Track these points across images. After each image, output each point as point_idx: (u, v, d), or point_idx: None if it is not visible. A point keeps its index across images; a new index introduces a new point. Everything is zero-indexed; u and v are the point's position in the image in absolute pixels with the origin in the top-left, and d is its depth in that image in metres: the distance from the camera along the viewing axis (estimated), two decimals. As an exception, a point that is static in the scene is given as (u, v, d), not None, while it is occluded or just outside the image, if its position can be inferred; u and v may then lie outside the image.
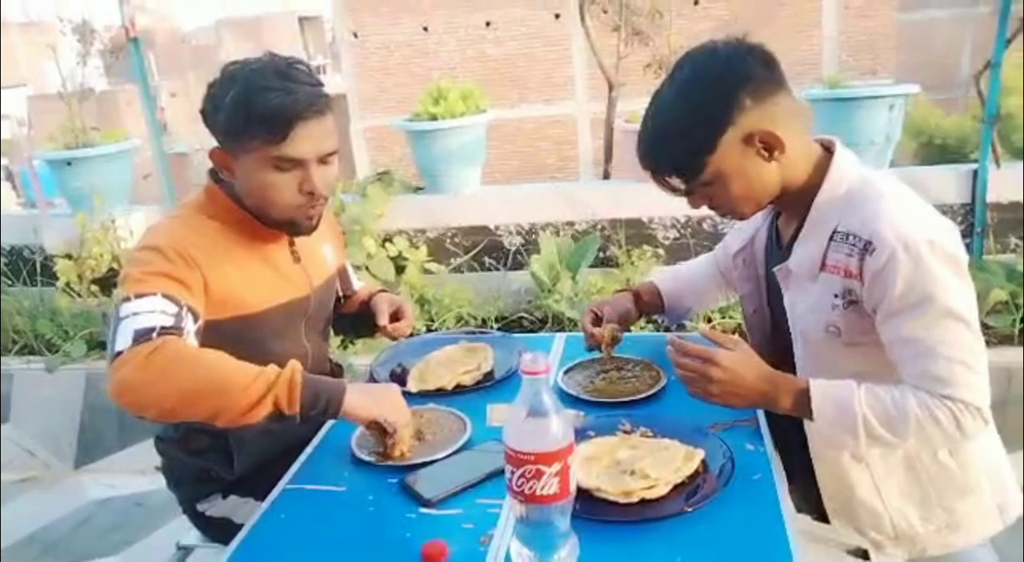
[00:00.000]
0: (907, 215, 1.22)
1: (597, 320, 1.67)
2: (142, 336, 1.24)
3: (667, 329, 3.26)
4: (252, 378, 1.24)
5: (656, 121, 1.32)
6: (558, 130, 12.50)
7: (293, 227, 1.48)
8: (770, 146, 1.27)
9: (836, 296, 1.29)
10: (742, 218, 1.41)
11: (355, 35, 12.87)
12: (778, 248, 1.45)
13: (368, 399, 1.33)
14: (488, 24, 12.39)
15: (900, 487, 1.37)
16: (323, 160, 1.41)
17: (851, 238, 1.25)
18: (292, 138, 1.35)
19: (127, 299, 1.29)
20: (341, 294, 1.82)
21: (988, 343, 3.03)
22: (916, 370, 1.22)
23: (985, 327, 3.07)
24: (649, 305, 1.75)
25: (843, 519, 1.43)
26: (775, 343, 1.50)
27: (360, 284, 1.89)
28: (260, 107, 1.33)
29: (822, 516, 1.47)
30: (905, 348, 1.23)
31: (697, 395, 1.30)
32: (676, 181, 1.33)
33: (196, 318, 1.34)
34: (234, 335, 1.43)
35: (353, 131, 12.95)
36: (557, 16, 11.84)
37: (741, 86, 1.24)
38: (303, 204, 1.43)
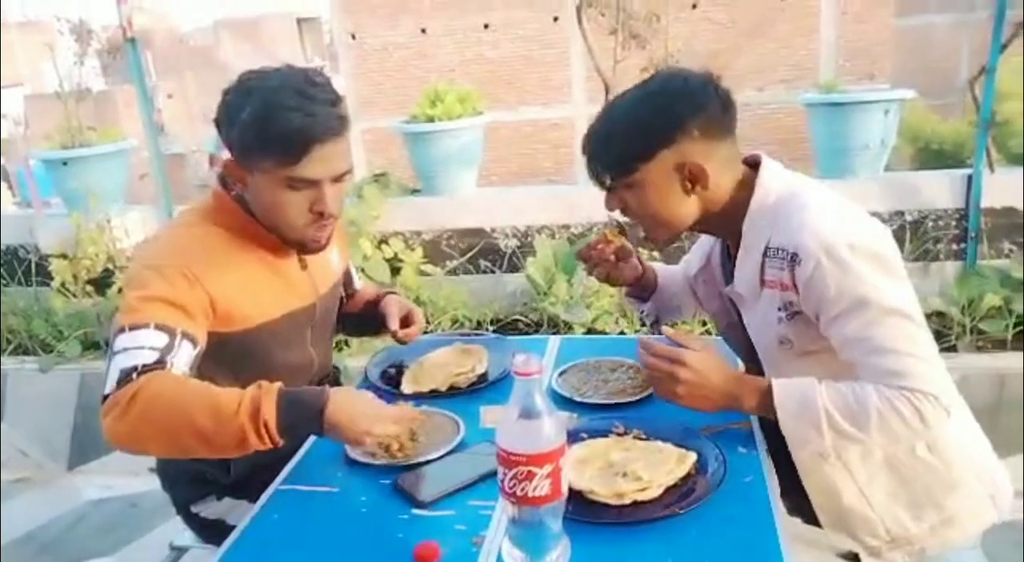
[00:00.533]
0: (828, 222, 1.26)
1: (604, 242, 1.66)
2: (125, 377, 1.23)
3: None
4: (226, 421, 1.19)
5: (609, 118, 1.38)
6: (556, 133, 12.49)
7: (302, 247, 1.47)
8: (695, 179, 1.32)
9: (779, 309, 1.34)
10: (652, 238, 1.45)
11: (353, 37, 12.87)
12: (731, 265, 1.47)
13: (343, 430, 1.24)
14: (486, 26, 12.39)
15: (885, 490, 1.38)
16: (336, 179, 1.39)
17: (780, 252, 1.30)
18: (308, 160, 1.32)
19: (121, 330, 1.27)
20: (343, 293, 1.81)
21: (981, 348, 3.07)
22: (869, 367, 1.25)
23: (979, 332, 3.09)
24: (645, 274, 1.74)
25: (838, 529, 1.44)
26: (752, 354, 1.51)
27: (361, 283, 1.89)
28: (277, 128, 1.30)
29: (814, 520, 1.47)
30: (854, 348, 1.26)
31: (664, 396, 1.33)
32: (604, 175, 1.39)
33: (194, 343, 1.32)
34: (240, 348, 1.42)
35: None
36: (556, 19, 11.84)
37: (695, 116, 1.30)
38: (312, 223, 1.41)
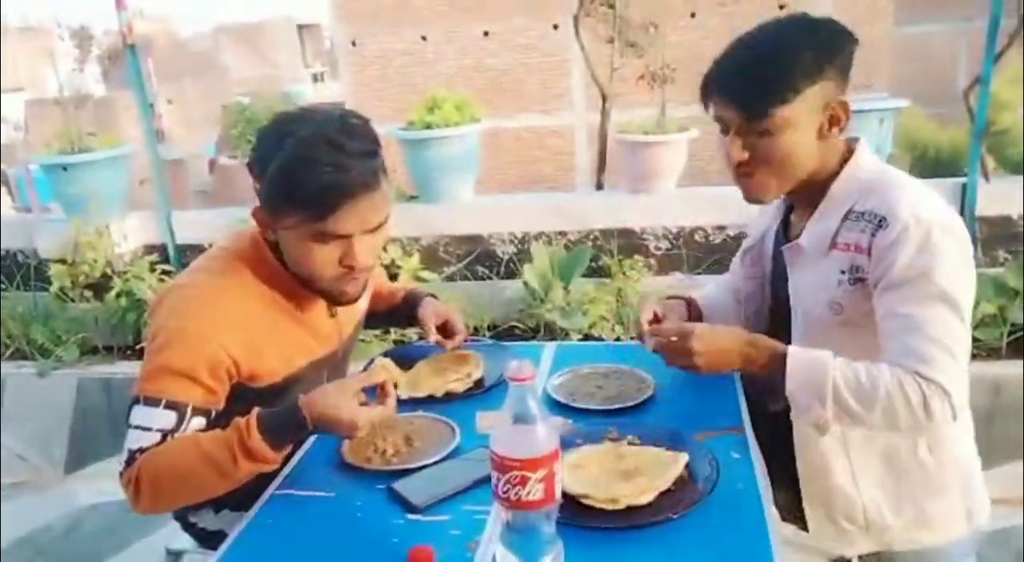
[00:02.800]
0: (925, 199, 1.28)
1: (656, 320, 1.64)
2: (131, 459, 1.29)
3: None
4: (227, 473, 1.25)
5: (752, 44, 1.33)
6: (556, 140, 12.53)
7: (332, 299, 1.44)
8: (837, 119, 1.31)
9: (843, 272, 1.33)
10: (758, 196, 1.39)
11: (353, 43, 12.91)
12: (786, 241, 1.47)
13: (332, 428, 1.27)
14: (486, 34, 12.44)
15: (876, 477, 1.39)
16: (370, 231, 1.34)
17: (867, 215, 1.30)
18: (337, 217, 1.27)
19: (136, 401, 1.30)
20: None
21: (976, 356, 3.07)
22: (899, 344, 1.24)
23: (974, 340, 3.09)
24: (692, 311, 1.71)
25: (817, 505, 1.44)
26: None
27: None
28: (305, 185, 1.25)
29: (807, 525, 1.48)
30: (894, 322, 1.25)
31: (684, 368, 1.37)
32: (744, 110, 1.30)
33: (207, 414, 1.33)
34: (261, 398, 1.39)
35: (350, 139, 12.94)
36: (555, 27, 11.88)
37: (835, 49, 1.29)
38: (343, 276, 1.37)
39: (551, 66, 12.29)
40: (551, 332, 3.49)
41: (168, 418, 1.29)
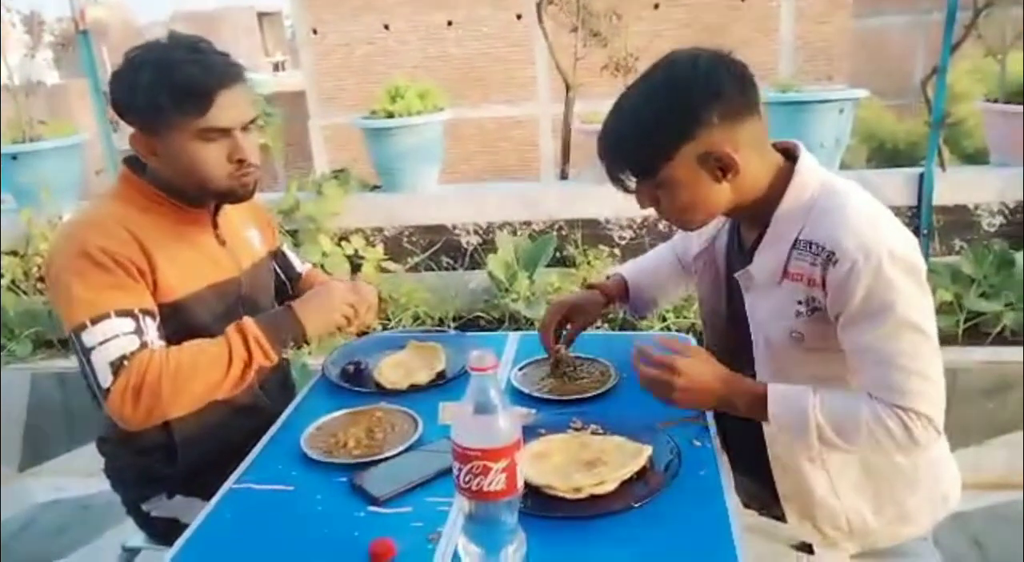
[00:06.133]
0: (869, 226, 1.23)
1: (563, 324, 1.67)
2: (118, 368, 1.31)
3: (621, 328, 3.29)
4: (226, 363, 1.36)
5: (620, 117, 1.30)
6: (520, 131, 12.51)
7: (231, 196, 1.47)
8: (724, 168, 1.25)
9: (800, 303, 1.30)
10: (685, 228, 1.40)
11: (314, 32, 12.74)
12: (739, 252, 1.45)
13: (323, 316, 1.47)
14: (450, 23, 12.36)
15: (854, 484, 1.40)
16: (246, 128, 1.43)
17: (813, 247, 1.26)
18: (215, 108, 1.36)
19: (83, 326, 1.31)
20: (284, 278, 1.82)
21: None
22: (872, 378, 1.24)
23: (931, 327, 3.15)
24: (615, 296, 1.74)
25: (802, 518, 1.45)
26: (729, 344, 1.51)
27: (306, 266, 1.89)
28: (179, 81, 1.33)
29: (769, 511, 1.49)
30: (863, 356, 1.25)
31: (660, 399, 1.33)
32: (627, 177, 1.32)
33: (153, 316, 1.38)
34: (173, 322, 1.42)
35: (311, 128, 12.83)
36: (519, 16, 11.84)
37: (711, 103, 1.21)
38: (234, 172, 1.43)
39: (515, 56, 12.25)
40: (516, 322, 3.49)
41: (126, 323, 1.33)
